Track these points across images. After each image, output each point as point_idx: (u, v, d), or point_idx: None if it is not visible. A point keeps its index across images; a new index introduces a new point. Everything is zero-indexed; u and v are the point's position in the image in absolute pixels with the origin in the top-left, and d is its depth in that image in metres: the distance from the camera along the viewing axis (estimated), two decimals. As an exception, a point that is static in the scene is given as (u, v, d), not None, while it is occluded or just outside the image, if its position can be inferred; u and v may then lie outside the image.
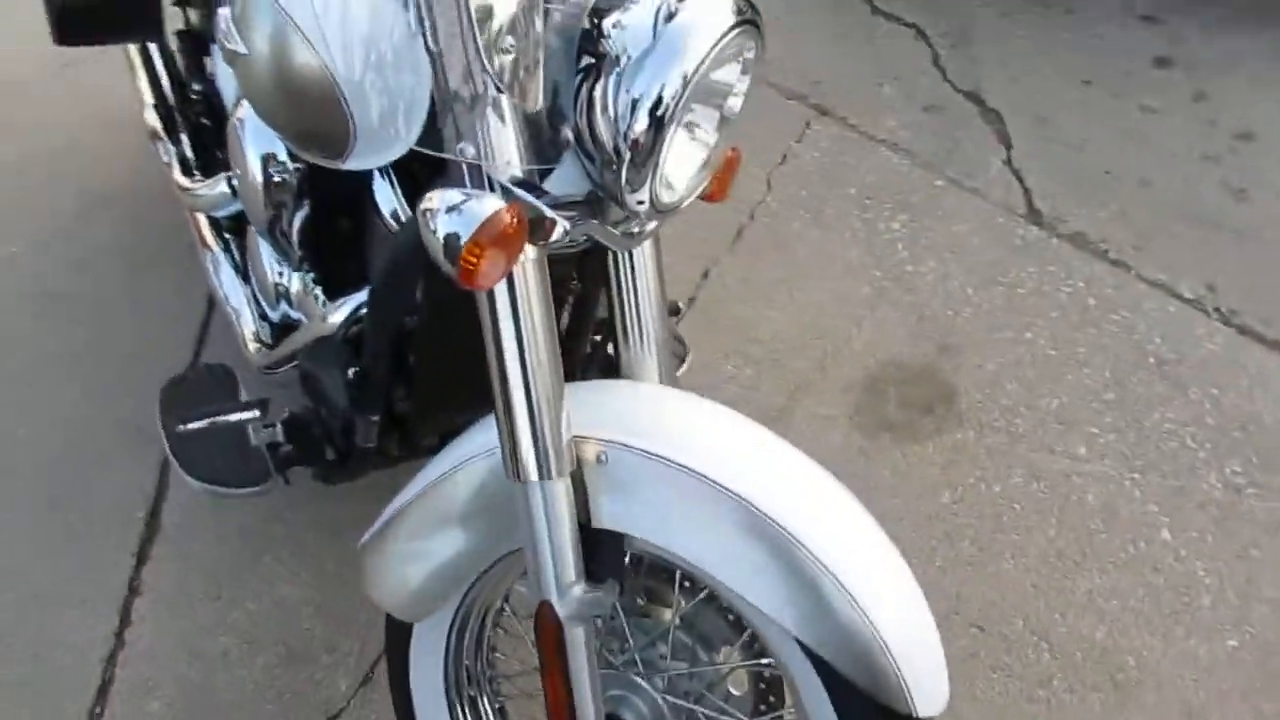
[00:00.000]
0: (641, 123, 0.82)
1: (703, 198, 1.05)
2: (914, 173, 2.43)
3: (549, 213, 0.84)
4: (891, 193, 2.37)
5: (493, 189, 0.85)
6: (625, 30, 0.83)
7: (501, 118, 0.84)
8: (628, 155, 0.83)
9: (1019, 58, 2.80)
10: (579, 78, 0.86)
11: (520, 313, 0.88)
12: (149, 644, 1.61)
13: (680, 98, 0.81)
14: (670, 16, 0.82)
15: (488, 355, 0.90)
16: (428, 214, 0.81)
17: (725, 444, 0.95)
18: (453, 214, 0.80)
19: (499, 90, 0.82)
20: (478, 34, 0.78)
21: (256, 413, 1.28)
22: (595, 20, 0.84)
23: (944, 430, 1.86)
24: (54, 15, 1.57)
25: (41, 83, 2.77)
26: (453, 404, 1.24)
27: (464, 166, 0.85)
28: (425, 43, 0.81)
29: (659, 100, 0.81)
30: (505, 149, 0.85)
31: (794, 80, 2.74)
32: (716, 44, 0.82)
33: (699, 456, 0.91)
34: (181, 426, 1.27)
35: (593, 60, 0.84)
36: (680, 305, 1.60)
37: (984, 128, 2.57)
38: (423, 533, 1.05)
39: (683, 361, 1.59)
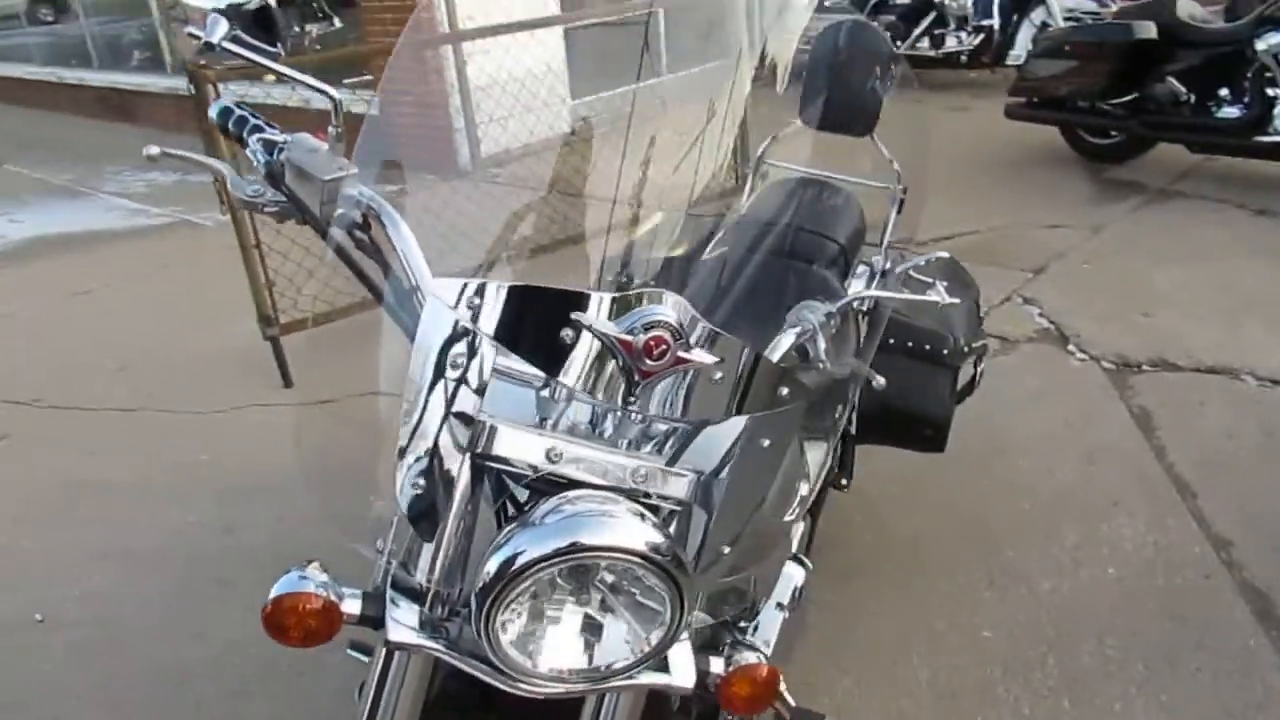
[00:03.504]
0: (484, 579, 0.82)
1: (722, 704, 1.03)
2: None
3: (395, 626, 0.92)
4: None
5: (385, 583, 0.94)
6: (566, 504, 0.84)
7: (416, 535, 0.90)
8: (474, 606, 0.84)
9: None
10: (506, 518, 0.91)
11: (395, 697, 0.96)
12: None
13: (516, 575, 0.81)
14: (590, 514, 0.83)
15: None
16: (294, 568, 0.93)
17: None
18: (291, 580, 0.91)
19: (403, 515, 0.89)
20: (395, 464, 0.86)
21: None
22: (549, 482, 0.88)
23: None
24: None
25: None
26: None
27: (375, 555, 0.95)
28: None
29: (504, 568, 0.81)
30: (416, 558, 0.90)
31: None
32: (589, 551, 0.81)
33: None
34: None
35: (518, 513, 0.89)
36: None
37: None
38: None
39: None
